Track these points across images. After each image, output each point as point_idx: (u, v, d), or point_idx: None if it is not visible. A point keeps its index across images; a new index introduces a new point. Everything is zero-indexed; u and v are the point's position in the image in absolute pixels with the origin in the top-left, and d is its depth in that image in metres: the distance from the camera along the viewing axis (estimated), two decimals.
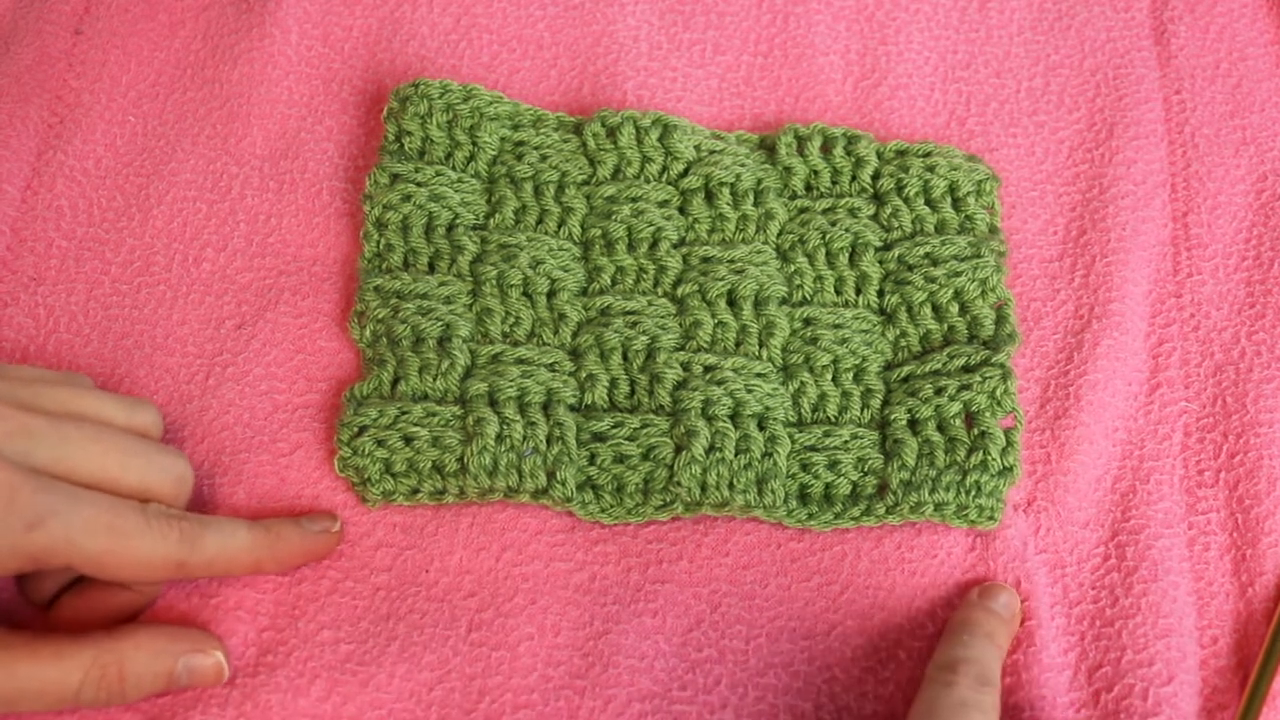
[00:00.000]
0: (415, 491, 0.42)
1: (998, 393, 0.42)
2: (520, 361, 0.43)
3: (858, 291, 0.45)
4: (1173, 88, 0.50)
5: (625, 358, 0.44)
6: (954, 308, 0.44)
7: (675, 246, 0.46)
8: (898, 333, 0.45)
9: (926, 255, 0.45)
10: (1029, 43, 0.51)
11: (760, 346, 0.44)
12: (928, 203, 0.46)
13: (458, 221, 0.46)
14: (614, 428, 0.43)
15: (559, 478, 0.41)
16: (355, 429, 0.42)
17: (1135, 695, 0.40)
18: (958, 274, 0.44)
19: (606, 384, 0.43)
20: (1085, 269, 0.47)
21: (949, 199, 0.46)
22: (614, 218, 0.46)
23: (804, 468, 0.42)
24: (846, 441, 0.43)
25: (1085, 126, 0.49)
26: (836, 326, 0.44)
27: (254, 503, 0.42)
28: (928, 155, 0.47)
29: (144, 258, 0.46)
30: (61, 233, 0.47)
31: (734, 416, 0.42)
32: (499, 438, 0.42)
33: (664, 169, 0.47)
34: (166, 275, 0.46)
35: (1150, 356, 0.45)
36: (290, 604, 0.41)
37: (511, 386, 0.43)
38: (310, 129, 0.49)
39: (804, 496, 0.42)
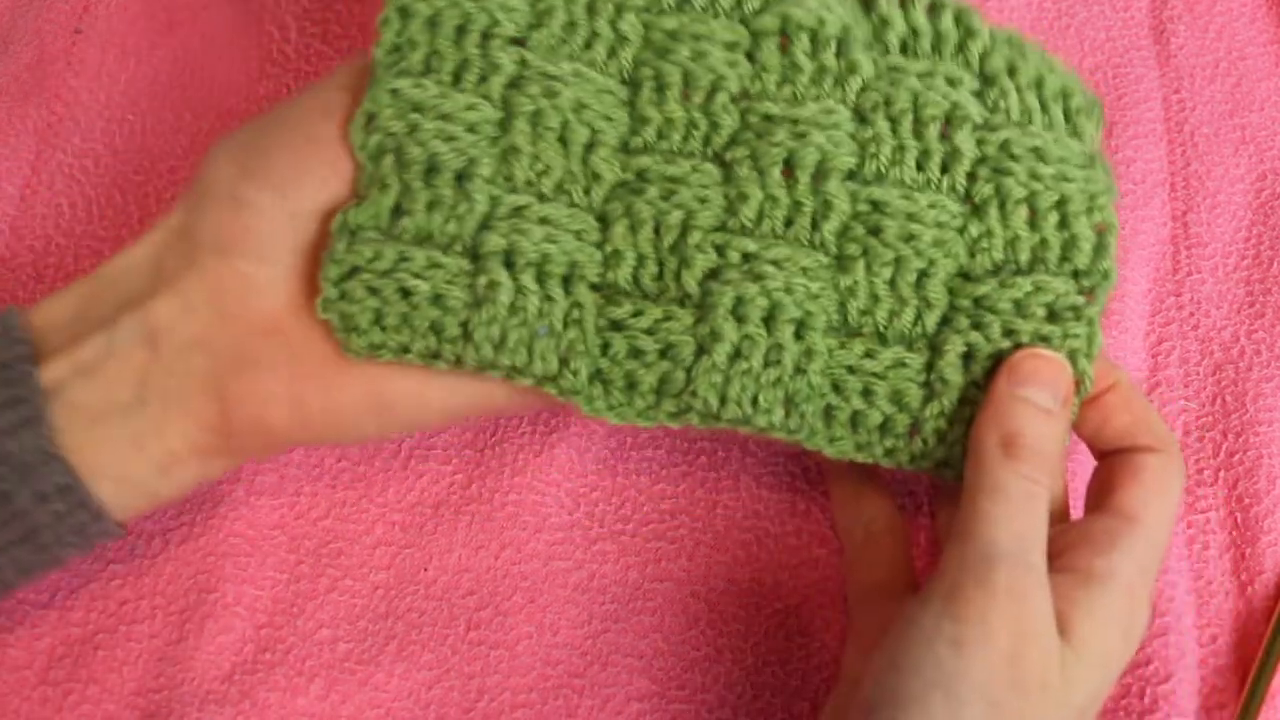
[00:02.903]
0: (405, 350, 0.37)
1: (1078, 354, 0.37)
2: (545, 221, 0.37)
3: (943, 171, 0.38)
4: (1172, 87, 0.50)
5: (656, 232, 0.38)
6: (1053, 218, 0.38)
7: (734, 100, 0.39)
8: (981, 231, 0.38)
9: (1035, 150, 0.38)
10: None
11: (813, 230, 0.38)
12: (1039, 98, 0.39)
13: (495, 30, 0.38)
14: (633, 316, 0.37)
15: (571, 367, 0.37)
16: (346, 268, 0.37)
17: (1133, 694, 0.39)
18: (1068, 179, 0.38)
19: (633, 262, 0.38)
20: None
21: (1061, 101, 0.39)
22: (670, 57, 0.39)
23: (835, 388, 0.37)
24: (888, 367, 0.37)
25: None
26: (909, 217, 0.37)
27: (252, 497, 0.42)
28: (1044, 52, 0.40)
29: None
30: (60, 232, 0.47)
31: (768, 320, 0.37)
32: (512, 308, 0.37)
33: (738, 2, 0.39)
34: None
35: (1149, 355, 0.45)
36: (289, 601, 0.41)
37: (534, 250, 0.37)
38: None
39: (827, 417, 0.38)
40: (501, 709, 0.39)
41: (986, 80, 0.39)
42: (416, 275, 0.37)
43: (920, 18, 0.39)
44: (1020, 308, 0.37)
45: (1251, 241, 0.47)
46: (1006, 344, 0.37)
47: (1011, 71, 0.39)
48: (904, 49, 0.39)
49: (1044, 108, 0.39)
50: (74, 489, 0.35)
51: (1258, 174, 0.49)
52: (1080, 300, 0.37)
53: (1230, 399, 0.44)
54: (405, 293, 0.37)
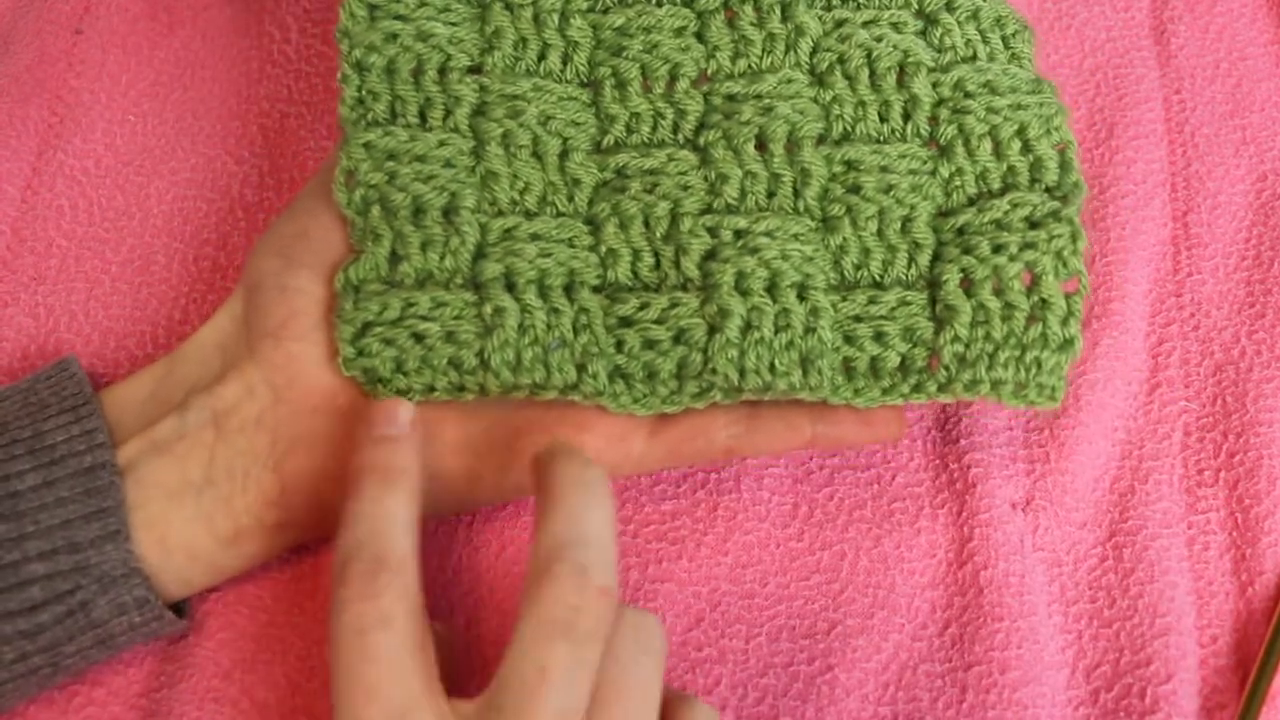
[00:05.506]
0: (431, 389, 0.38)
1: (1065, 253, 0.38)
2: (536, 237, 0.38)
3: (905, 119, 0.40)
4: (1172, 87, 0.50)
5: (647, 225, 0.39)
6: (1015, 145, 0.40)
7: (694, 84, 0.40)
8: (952, 170, 0.39)
9: (987, 84, 0.40)
10: None
11: (795, 198, 0.39)
12: (979, 29, 0.41)
13: (450, 65, 0.40)
14: (640, 309, 0.38)
15: (590, 371, 0.38)
16: (358, 325, 0.38)
17: (1134, 694, 0.39)
18: (1023, 107, 0.40)
19: (629, 258, 0.39)
20: (1084, 268, 0.46)
21: (998, 29, 0.41)
22: (625, 54, 0.40)
23: (848, 340, 0.38)
24: (893, 309, 0.38)
25: (1085, 126, 0.49)
26: (883, 170, 0.39)
27: None
28: None
29: (144, 257, 0.47)
30: (61, 233, 0.47)
31: (770, 289, 0.38)
32: (521, 329, 0.38)
33: None
34: (167, 275, 0.46)
35: (1150, 356, 0.45)
36: (289, 599, 0.41)
37: (531, 268, 0.38)
38: (310, 127, 0.49)
39: (848, 371, 0.38)
40: None
41: (929, 19, 0.41)
42: (425, 318, 0.38)
43: None
44: (1001, 224, 0.39)
45: (1252, 242, 0.47)
46: (1000, 259, 0.38)
47: (950, 7, 0.41)
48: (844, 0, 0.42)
49: (984, 38, 0.41)
50: (151, 603, 0.36)
51: (1258, 174, 0.49)
52: (1057, 205, 0.39)
53: (1231, 400, 0.44)
54: (418, 337, 0.38)
